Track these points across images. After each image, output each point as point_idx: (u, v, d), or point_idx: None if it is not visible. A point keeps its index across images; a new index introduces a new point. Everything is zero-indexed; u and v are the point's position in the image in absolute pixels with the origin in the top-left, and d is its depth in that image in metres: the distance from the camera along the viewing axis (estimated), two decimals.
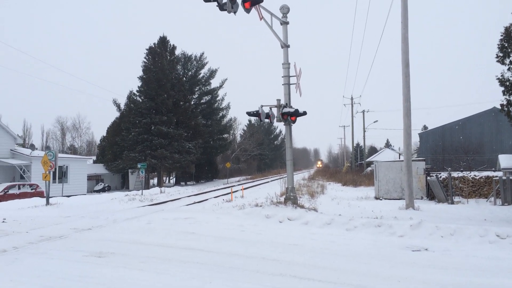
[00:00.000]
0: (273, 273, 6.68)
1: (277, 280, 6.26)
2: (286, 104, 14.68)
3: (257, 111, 14.14)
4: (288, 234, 10.44)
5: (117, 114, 49.28)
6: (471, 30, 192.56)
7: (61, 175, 35.43)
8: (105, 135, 52.27)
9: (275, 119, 14.48)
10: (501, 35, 13.70)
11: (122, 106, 48.20)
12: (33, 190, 27.59)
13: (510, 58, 13.44)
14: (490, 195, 19.04)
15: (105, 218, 14.12)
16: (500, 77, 13.72)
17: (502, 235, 9.37)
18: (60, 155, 32.79)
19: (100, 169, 47.54)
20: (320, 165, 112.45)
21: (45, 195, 21.96)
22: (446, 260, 7.72)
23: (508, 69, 13.59)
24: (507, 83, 13.44)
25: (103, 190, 43.45)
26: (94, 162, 51.22)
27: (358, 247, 8.93)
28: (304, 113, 14.30)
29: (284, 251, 8.47)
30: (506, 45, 13.52)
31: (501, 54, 13.73)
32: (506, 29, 13.55)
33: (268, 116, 14.34)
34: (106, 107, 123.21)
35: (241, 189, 27.52)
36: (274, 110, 14.52)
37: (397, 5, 18.94)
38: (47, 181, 20.72)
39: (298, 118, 14.48)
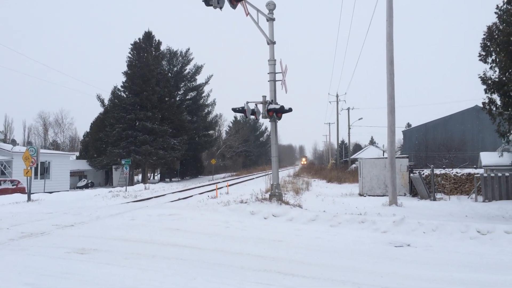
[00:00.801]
0: (258, 269, 6.68)
1: (261, 276, 6.26)
2: (272, 100, 14.69)
3: (243, 108, 14.12)
4: (273, 230, 10.46)
5: (101, 109, 48.72)
6: (455, 28, 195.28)
7: (43, 171, 34.89)
8: (88, 130, 51.61)
9: (261, 115, 14.48)
10: (484, 34, 13.91)
11: (106, 102, 47.65)
12: (15, 186, 27.13)
13: (492, 57, 13.67)
14: (472, 192, 19.37)
15: (88, 214, 13.95)
16: (483, 76, 13.95)
17: (483, 231, 9.55)
18: (42, 150, 32.26)
19: (83, 165, 46.96)
20: (305, 162, 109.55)
21: (26, 191, 21.62)
22: (428, 256, 7.83)
23: (490, 68, 13.83)
24: (489, 82, 13.68)
25: (86, 186, 42.92)
26: (77, 158, 50.56)
27: (342, 243, 9.00)
28: (290, 110, 14.33)
29: (269, 247, 8.49)
30: (488, 44, 13.75)
31: (483, 53, 13.95)
32: (489, 28, 13.76)
33: (253, 112, 14.34)
34: (89, 103, 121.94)
35: (226, 186, 27.48)
36: (260, 107, 14.52)
37: (382, 3, 19.06)
38: (28, 177, 20.40)
39: (283, 115, 14.50)
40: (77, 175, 45.22)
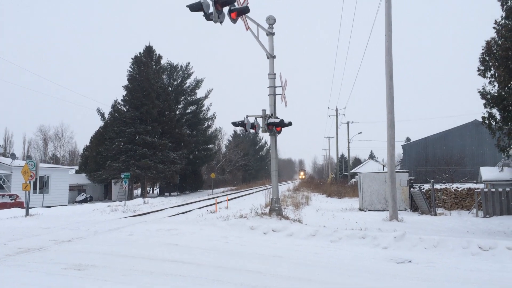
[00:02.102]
0: (257, 285, 6.58)
1: None
2: (272, 114, 14.70)
3: (243, 121, 14.13)
4: (273, 245, 10.36)
5: (101, 123, 48.71)
6: (455, 42, 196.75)
7: (42, 185, 34.73)
8: (88, 144, 51.55)
9: (261, 129, 14.48)
10: (483, 49, 13.96)
11: (106, 115, 47.70)
12: (13, 201, 26.97)
13: (491, 71, 13.69)
14: (472, 207, 19.27)
15: (86, 229, 13.85)
16: (482, 90, 13.95)
17: (485, 247, 9.45)
18: (41, 164, 32.20)
19: (82, 179, 46.80)
20: (303, 176, 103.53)
21: (25, 205, 21.48)
22: (429, 272, 7.73)
23: (489, 82, 13.84)
24: (488, 96, 13.67)
25: (85, 200, 42.71)
26: (77, 172, 50.42)
27: (343, 258, 8.90)
28: (290, 124, 14.33)
29: (269, 263, 8.39)
30: (487, 58, 13.78)
31: (482, 68, 13.98)
32: (487, 43, 13.81)
33: (253, 126, 14.34)
34: (89, 116, 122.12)
35: (226, 200, 27.35)
36: (260, 121, 14.53)
37: (381, 17, 19.27)
38: (27, 191, 20.29)
39: (283, 129, 14.50)
40: (76, 189, 45.02)
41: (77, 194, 44.44)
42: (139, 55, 44.07)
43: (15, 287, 6.36)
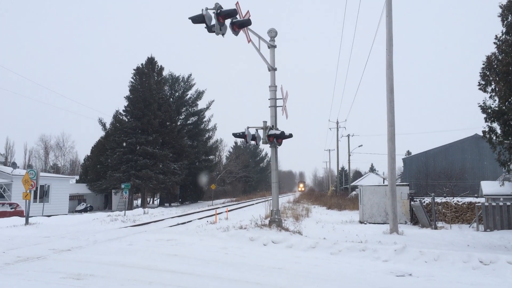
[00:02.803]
0: None
1: None
2: (272, 126, 14.74)
3: (243, 133, 14.17)
4: (273, 257, 10.31)
5: (102, 133, 48.94)
6: (457, 57, 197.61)
7: (42, 194, 34.73)
8: (89, 154, 51.67)
9: (261, 141, 14.51)
10: (483, 64, 14.06)
11: (108, 125, 47.89)
12: (13, 209, 26.96)
13: (492, 86, 13.77)
14: (473, 221, 19.21)
15: (85, 238, 13.81)
16: (482, 105, 14.02)
17: (485, 261, 9.40)
18: (42, 174, 32.22)
19: (82, 189, 46.78)
20: (303, 188, 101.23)
21: (25, 214, 21.46)
22: (430, 286, 7.69)
23: (490, 97, 13.91)
24: (489, 111, 13.73)
25: (85, 210, 42.65)
26: (77, 181, 50.43)
27: (343, 271, 8.86)
28: (290, 136, 14.36)
29: (268, 274, 8.35)
30: (487, 73, 13.87)
31: (483, 82, 14.06)
32: (488, 58, 13.92)
33: (254, 138, 14.37)
34: (91, 126, 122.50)
35: (226, 211, 27.28)
36: (260, 132, 14.57)
37: (383, 31, 19.31)
38: (27, 200, 20.28)
39: (284, 141, 14.53)
40: (76, 199, 45.00)
41: (77, 204, 44.41)
42: (141, 66, 44.38)
43: None
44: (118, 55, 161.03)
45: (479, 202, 19.05)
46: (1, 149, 62.26)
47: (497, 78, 13.38)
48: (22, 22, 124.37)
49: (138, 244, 12.09)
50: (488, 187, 21.96)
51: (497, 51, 13.85)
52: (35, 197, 32.64)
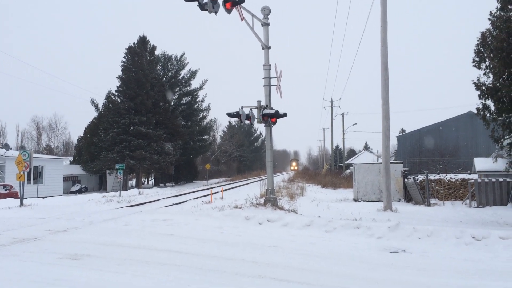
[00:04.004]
0: (252, 275, 6.62)
1: (256, 282, 6.20)
2: (267, 105, 14.67)
3: (238, 112, 14.09)
4: (268, 235, 10.40)
5: (95, 114, 48.62)
6: (450, 34, 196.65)
7: (36, 175, 34.62)
8: (82, 135, 51.43)
9: (256, 120, 14.45)
10: (478, 40, 14.00)
11: (100, 106, 47.52)
12: (7, 191, 26.89)
13: (486, 63, 13.74)
14: (466, 198, 19.42)
15: (81, 219, 13.82)
16: (477, 82, 14.01)
17: (478, 236, 9.54)
18: (35, 155, 32.05)
19: (77, 170, 46.69)
20: (295, 167, 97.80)
21: (19, 196, 21.42)
22: (423, 262, 7.80)
23: (484, 74, 13.90)
24: (483, 88, 13.73)
25: (79, 191, 42.68)
26: (71, 162, 50.28)
27: (338, 248, 8.96)
28: (285, 115, 14.30)
29: (264, 253, 8.43)
30: (482, 50, 13.83)
31: (477, 59, 14.03)
32: (482, 34, 13.84)
33: (248, 117, 14.30)
34: (83, 107, 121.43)
35: (221, 191, 27.39)
36: (255, 112, 14.49)
37: (377, 8, 19.09)
38: (21, 182, 20.21)
39: (278, 120, 14.47)
40: (70, 180, 44.95)
41: (71, 185, 44.39)
42: (133, 46, 43.80)
43: (8, 278, 6.35)
44: (109, 34, 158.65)
45: (472, 179, 19.22)
46: None
47: (492, 55, 13.35)
48: (10, 1, 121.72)
49: (133, 224, 12.12)
50: (481, 163, 22.14)
51: (491, 28, 13.78)
52: (29, 179, 32.52)
